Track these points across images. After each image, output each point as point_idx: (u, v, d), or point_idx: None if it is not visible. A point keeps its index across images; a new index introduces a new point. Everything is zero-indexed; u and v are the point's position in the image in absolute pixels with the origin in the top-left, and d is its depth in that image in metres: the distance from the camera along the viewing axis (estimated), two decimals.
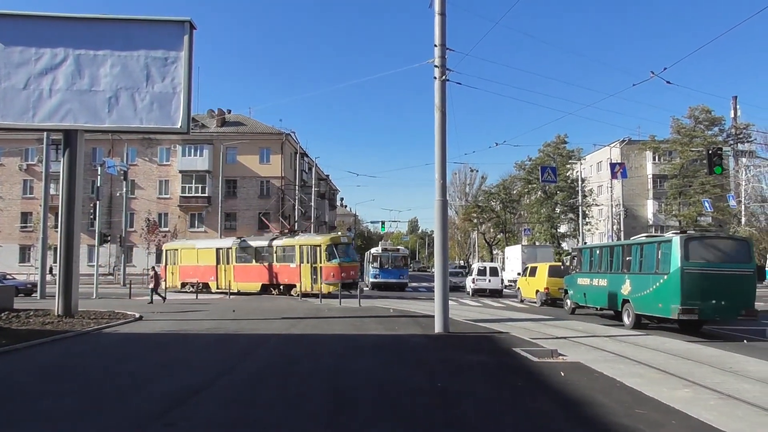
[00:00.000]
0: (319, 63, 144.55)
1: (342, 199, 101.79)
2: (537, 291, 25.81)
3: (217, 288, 31.86)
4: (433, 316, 14.51)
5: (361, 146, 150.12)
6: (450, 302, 15.40)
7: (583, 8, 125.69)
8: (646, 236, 19.40)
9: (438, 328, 13.98)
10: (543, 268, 26.13)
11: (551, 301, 24.71)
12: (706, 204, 48.18)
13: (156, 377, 8.79)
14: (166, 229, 50.01)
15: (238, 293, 29.67)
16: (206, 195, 52.27)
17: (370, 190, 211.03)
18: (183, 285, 33.79)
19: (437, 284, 14.29)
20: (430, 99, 14.70)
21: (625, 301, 17.28)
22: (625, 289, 17.31)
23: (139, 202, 51.97)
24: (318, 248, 28.38)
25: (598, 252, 20.24)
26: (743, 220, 49.63)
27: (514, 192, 65.31)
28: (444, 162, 14.41)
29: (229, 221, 52.39)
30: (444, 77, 14.37)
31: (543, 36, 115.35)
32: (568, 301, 22.02)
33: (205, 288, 32.00)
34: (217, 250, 32.67)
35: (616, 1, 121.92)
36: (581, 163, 54.48)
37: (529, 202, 62.63)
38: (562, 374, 8.96)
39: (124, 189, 41.71)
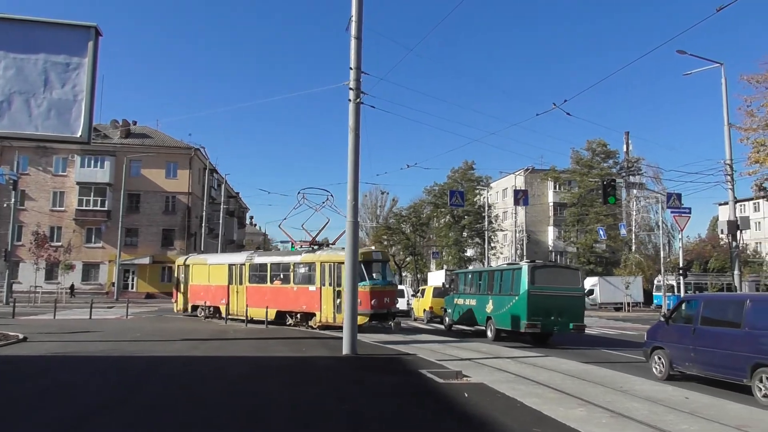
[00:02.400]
0: (233, 79, 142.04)
1: (252, 217, 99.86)
2: (424, 310, 28.66)
3: (228, 314, 24.41)
4: (341, 338, 14.41)
5: (273, 165, 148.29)
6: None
7: (492, 40, 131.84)
8: (507, 264, 23.63)
9: (346, 350, 13.90)
10: (429, 290, 29.32)
11: (435, 319, 27.40)
12: (601, 232, 51.37)
13: (39, 404, 8.13)
14: (59, 243, 46.77)
15: (251, 321, 22.82)
16: (106, 209, 49.49)
17: (282, 209, 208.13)
18: (194, 308, 27.32)
19: (346, 306, 14.25)
20: (345, 120, 14.79)
21: (489, 318, 20.03)
22: (489, 307, 20.07)
23: (29, 215, 48.38)
24: (342, 266, 19.43)
25: (470, 276, 23.42)
26: (633, 247, 53.21)
27: (424, 215, 66.69)
28: (356, 183, 14.48)
29: (130, 237, 49.85)
30: (359, 100, 14.51)
31: (454, 65, 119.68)
32: (447, 319, 24.34)
33: (216, 313, 25.79)
34: (230, 266, 25.51)
35: (523, 34, 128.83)
36: (488, 190, 56.63)
37: (438, 225, 64.15)
38: (466, 395, 9.14)
39: (13, 200, 38.63)
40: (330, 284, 20.14)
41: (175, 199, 51.23)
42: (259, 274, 23.90)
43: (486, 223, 46.65)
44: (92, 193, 49.76)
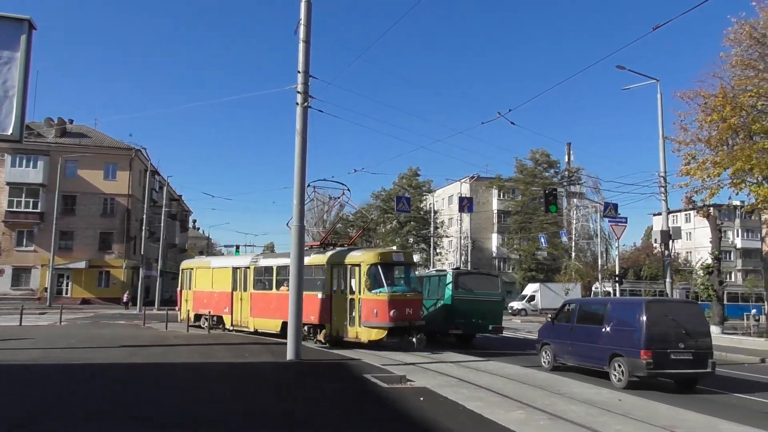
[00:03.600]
0: (178, 80, 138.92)
1: (195, 221, 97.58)
2: None
3: (232, 324, 21.92)
4: (285, 343, 14.26)
5: (218, 168, 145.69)
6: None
7: (440, 48, 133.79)
8: (436, 270, 25.01)
9: (290, 355, 13.76)
10: None
11: None
12: (542, 239, 52.81)
13: None
14: None
15: (255, 332, 20.55)
16: (39, 211, 47.26)
17: (226, 212, 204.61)
18: (197, 318, 24.03)
19: (291, 311, 14.13)
20: (292, 123, 14.70)
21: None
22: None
23: None
24: (357, 269, 17.13)
25: None
26: (573, 255, 54.89)
27: (371, 220, 66.89)
28: (303, 187, 14.41)
29: (65, 240, 47.70)
30: (306, 104, 14.46)
31: (402, 72, 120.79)
32: None
33: (220, 323, 22.58)
34: (234, 270, 22.43)
35: (470, 44, 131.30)
36: (433, 196, 57.32)
37: (384, 230, 64.43)
38: (422, 399, 9.21)
39: None
40: (342, 291, 17.45)
41: (114, 202, 49.49)
42: (264, 278, 20.72)
43: (432, 229, 47.20)
44: (24, 194, 47.44)
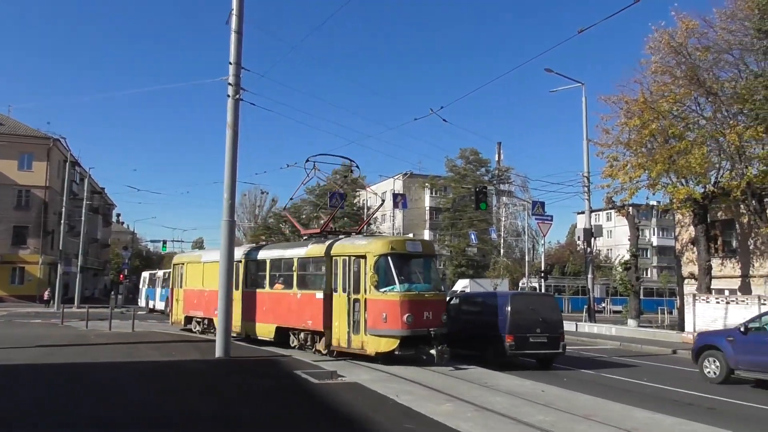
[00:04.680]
0: (103, 67, 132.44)
1: (119, 215, 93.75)
2: None
3: None
4: (214, 341, 13.95)
5: (145, 160, 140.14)
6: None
7: (374, 44, 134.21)
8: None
9: (219, 352, 13.47)
10: None
11: None
12: (473, 236, 53.99)
13: None
14: None
15: (247, 338, 17.28)
16: None
17: (152, 206, 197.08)
18: (188, 320, 21.11)
19: (220, 308, 13.82)
20: (223, 116, 14.36)
21: None
22: None
23: None
24: (362, 262, 13.75)
25: None
26: (502, 251, 56.45)
27: (304, 216, 66.36)
28: (234, 182, 14.10)
29: None
30: (238, 96, 14.16)
31: (337, 66, 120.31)
32: None
33: (211, 327, 18.81)
34: None
35: (404, 41, 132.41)
36: (367, 192, 57.49)
37: (317, 226, 64.04)
38: (352, 394, 9.21)
39: None
40: (344, 289, 13.92)
41: (30, 194, 46.80)
42: (256, 274, 17.59)
43: (365, 225, 47.36)
44: None
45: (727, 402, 10.86)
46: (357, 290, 13.57)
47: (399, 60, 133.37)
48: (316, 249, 15.17)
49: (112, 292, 51.53)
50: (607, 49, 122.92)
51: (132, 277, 62.37)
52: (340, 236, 15.93)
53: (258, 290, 17.20)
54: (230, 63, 14.14)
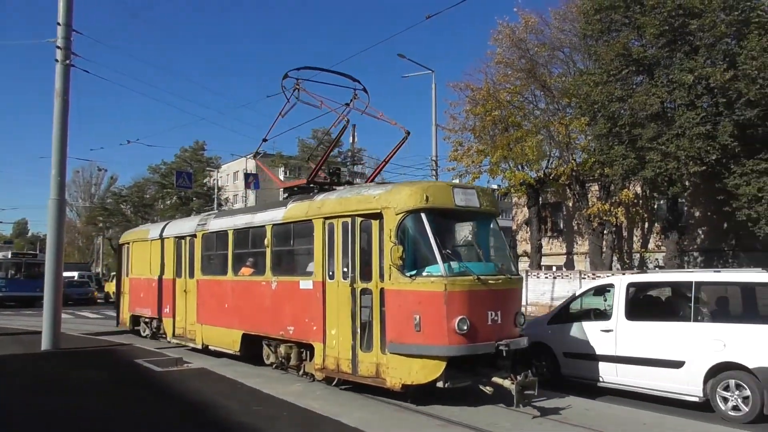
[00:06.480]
0: None
1: None
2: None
3: (174, 334, 13.37)
4: (40, 333, 12.63)
5: None
6: (67, 316, 13.67)
7: (222, 17, 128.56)
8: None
9: (45, 344, 12.18)
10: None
11: None
12: None
13: None
14: None
15: (206, 349, 12.11)
16: None
17: None
18: (136, 321, 15.79)
19: (47, 295, 12.46)
20: (50, 82, 12.92)
21: None
22: None
23: None
24: (374, 226, 8.20)
25: None
26: None
27: (148, 196, 62.46)
28: (64, 156, 12.75)
29: None
30: (68, 61, 12.78)
31: (185, 38, 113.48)
32: None
33: (161, 330, 14.27)
34: (177, 242, 13.58)
35: (251, 13, 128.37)
36: (218, 172, 55.49)
37: (163, 207, 60.72)
38: (200, 380, 8.82)
39: None
40: (345, 274, 8.46)
41: None
42: (216, 254, 12.15)
43: (215, 205, 45.60)
44: None
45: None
46: (367, 275, 8.17)
47: (254, 35, 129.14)
48: (298, 209, 9.66)
49: None
50: (459, 37, 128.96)
51: None
52: (338, 188, 9.97)
53: (219, 278, 11.76)
54: (58, 24, 12.71)
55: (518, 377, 7.24)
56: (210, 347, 11.90)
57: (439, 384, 7.42)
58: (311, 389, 8.47)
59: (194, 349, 12.30)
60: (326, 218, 8.85)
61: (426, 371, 7.45)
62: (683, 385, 7.93)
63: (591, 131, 23.42)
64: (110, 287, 34.74)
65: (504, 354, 7.56)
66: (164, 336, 14.03)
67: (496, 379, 7.49)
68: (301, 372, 9.47)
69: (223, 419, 6.72)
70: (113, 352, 12.25)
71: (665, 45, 21.07)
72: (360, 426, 6.38)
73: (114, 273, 26.25)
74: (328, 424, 6.52)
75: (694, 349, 7.85)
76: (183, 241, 13.27)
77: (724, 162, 20.60)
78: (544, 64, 25.75)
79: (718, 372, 7.58)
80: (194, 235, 12.67)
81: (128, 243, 16.79)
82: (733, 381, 7.45)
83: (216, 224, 12.16)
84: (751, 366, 7.28)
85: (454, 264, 7.76)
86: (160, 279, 14.16)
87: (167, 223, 15.53)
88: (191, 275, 12.69)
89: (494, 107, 25.04)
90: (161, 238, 14.34)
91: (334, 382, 8.65)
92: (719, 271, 10.13)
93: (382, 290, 7.85)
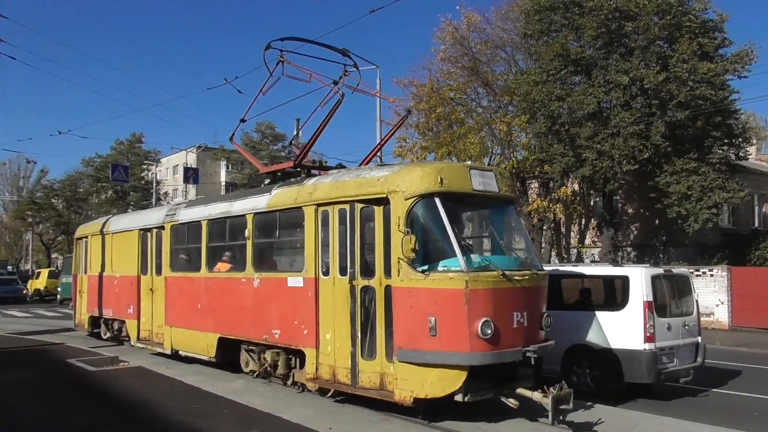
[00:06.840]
0: None
1: None
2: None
3: (139, 338, 12.08)
4: None
5: None
6: None
7: (170, 12, 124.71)
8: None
9: None
10: (45, 272, 35.27)
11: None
12: None
13: None
14: None
15: (175, 355, 10.77)
16: None
17: None
18: (95, 323, 14.44)
19: None
20: None
21: None
22: None
23: None
24: (378, 213, 7.16)
25: None
26: None
27: (81, 190, 59.96)
28: None
29: None
30: None
31: (122, 27, 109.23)
32: None
33: (123, 332, 13.00)
34: (142, 235, 12.30)
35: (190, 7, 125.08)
36: (157, 165, 53.87)
37: (98, 201, 58.48)
38: (137, 379, 8.50)
39: None
40: (344, 270, 7.41)
41: None
42: (188, 248, 10.95)
43: (154, 200, 44.19)
44: None
45: None
46: (369, 270, 7.19)
47: (194, 24, 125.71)
48: (285, 195, 8.60)
49: None
50: (404, 33, 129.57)
51: None
52: (330, 173, 8.66)
53: (191, 275, 10.60)
54: None
55: (551, 389, 6.21)
56: (180, 353, 10.58)
57: (458, 397, 6.45)
58: (253, 386, 8.32)
59: (162, 354, 11.04)
60: (319, 205, 7.78)
61: (444, 383, 6.44)
62: None
63: (531, 129, 23.94)
64: (34, 284, 34.68)
65: (531, 362, 6.66)
66: (128, 339, 12.73)
67: (522, 391, 6.57)
68: (289, 382, 8.36)
69: (158, 418, 6.54)
70: (42, 352, 11.74)
71: (602, 46, 21.74)
72: (299, 421, 6.35)
73: (39, 270, 25.20)
74: (266, 420, 6.44)
75: None
76: (149, 233, 12.02)
77: (656, 161, 21.45)
78: (486, 62, 26.15)
79: None
80: (162, 227, 11.40)
81: (86, 237, 15.31)
82: None
83: (187, 214, 10.89)
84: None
85: (474, 257, 6.83)
86: (122, 276, 12.94)
87: (131, 213, 14.18)
88: (158, 272, 11.46)
89: (437, 104, 25.26)
90: (123, 231, 13.19)
91: (329, 394, 7.58)
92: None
93: (387, 288, 6.84)
